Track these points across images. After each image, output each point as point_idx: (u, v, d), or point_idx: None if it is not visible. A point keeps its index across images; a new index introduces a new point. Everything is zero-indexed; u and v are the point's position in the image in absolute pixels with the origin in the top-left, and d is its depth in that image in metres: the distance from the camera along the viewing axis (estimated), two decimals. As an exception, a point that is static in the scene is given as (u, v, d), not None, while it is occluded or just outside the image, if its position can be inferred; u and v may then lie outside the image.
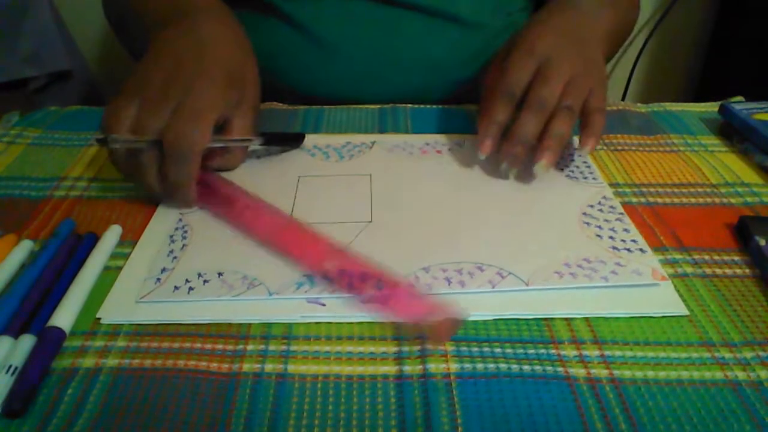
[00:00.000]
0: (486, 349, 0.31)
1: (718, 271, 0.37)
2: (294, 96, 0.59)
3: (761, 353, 0.31)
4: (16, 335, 0.31)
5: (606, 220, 0.40)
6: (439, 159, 0.48)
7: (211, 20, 0.45)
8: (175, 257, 0.37)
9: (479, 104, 0.48)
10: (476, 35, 0.61)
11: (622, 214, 0.41)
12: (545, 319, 0.33)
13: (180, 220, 0.41)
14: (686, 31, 1.31)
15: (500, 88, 0.44)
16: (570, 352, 0.31)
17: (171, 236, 0.39)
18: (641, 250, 0.37)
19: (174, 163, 0.38)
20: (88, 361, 0.30)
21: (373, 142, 0.50)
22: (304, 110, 0.56)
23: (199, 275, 0.36)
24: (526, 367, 0.30)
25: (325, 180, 0.45)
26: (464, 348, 0.31)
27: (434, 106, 0.57)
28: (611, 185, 0.45)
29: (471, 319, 0.33)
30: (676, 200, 0.43)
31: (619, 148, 0.50)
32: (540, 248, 0.37)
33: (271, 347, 0.31)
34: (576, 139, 0.50)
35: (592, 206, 0.42)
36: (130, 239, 0.39)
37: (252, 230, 0.39)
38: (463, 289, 0.34)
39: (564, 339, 0.32)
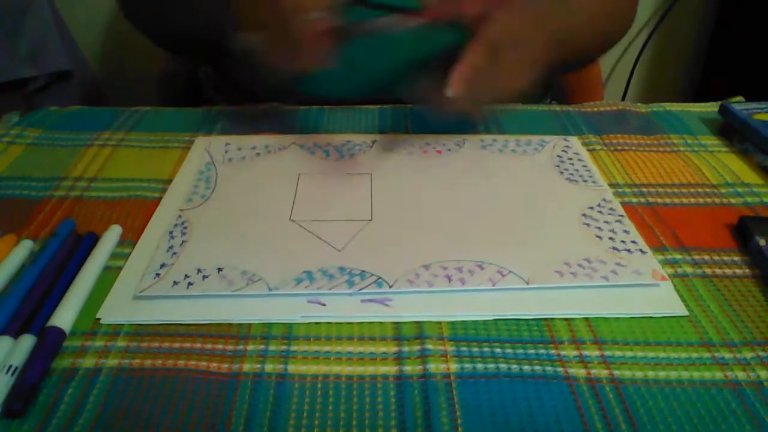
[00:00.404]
0: (486, 349, 0.31)
1: (718, 271, 0.37)
2: (294, 96, 0.59)
3: (761, 353, 0.31)
4: (16, 335, 0.31)
5: (606, 222, 0.40)
6: (439, 159, 0.48)
7: None
8: (174, 253, 0.37)
9: None
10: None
11: (622, 215, 0.41)
12: (545, 319, 0.33)
13: (179, 216, 0.41)
14: (686, 31, 1.31)
15: None
16: (570, 352, 0.31)
17: (170, 232, 0.39)
18: (641, 251, 0.37)
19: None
20: (88, 361, 0.30)
21: (374, 142, 0.50)
22: (304, 110, 0.56)
23: (199, 271, 0.36)
24: (526, 368, 0.30)
25: (325, 178, 0.45)
26: (464, 348, 0.31)
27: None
28: (611, 185, 0.45)
29: (471, 319, 0.33)
30: (676, 200, 0.43)
31: (619, 148, 0.50)
32: (540, 248, 0.38)
33: (271, 347, 0.31)
34: (573, 139, 0.50)
35: (592, 208, 0.42)
36: (130, 239, 0.39)
37: None
38: (464, 287, 0.34)
39: (564, 339, 0.32)
